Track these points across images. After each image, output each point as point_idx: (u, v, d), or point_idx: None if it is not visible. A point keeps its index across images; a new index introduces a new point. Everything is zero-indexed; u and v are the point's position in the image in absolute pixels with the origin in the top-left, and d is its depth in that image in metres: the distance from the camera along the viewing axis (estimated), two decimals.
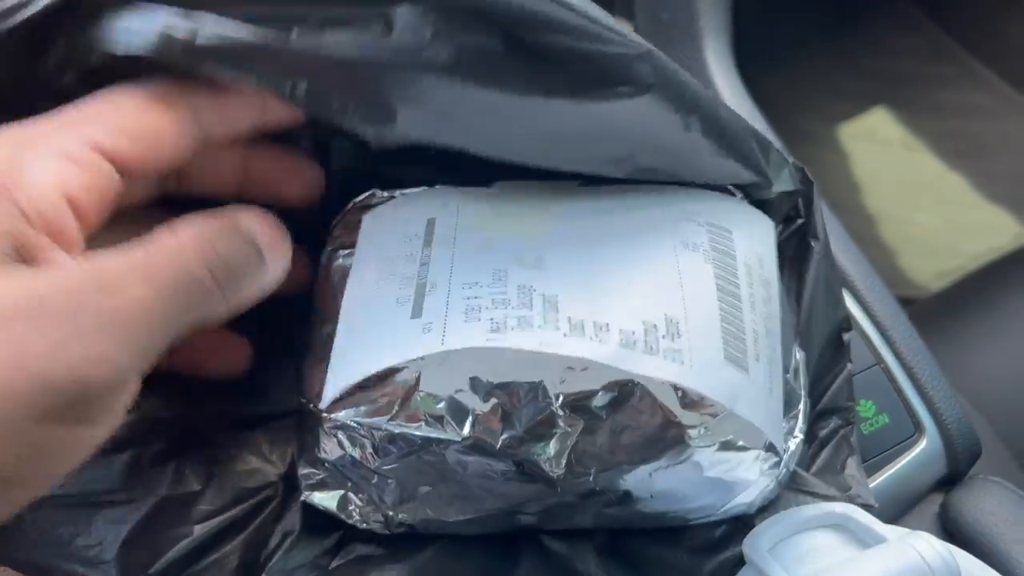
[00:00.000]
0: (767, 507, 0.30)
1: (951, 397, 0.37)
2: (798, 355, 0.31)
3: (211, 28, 0.23)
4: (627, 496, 0.27)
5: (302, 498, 0.29)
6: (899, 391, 0.37)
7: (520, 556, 0.30)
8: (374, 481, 0.27)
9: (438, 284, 0.26)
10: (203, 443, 0.31)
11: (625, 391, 0.25)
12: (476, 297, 0.26)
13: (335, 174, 0.34)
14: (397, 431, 0.26)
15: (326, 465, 0.28)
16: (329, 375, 0.26)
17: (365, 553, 0.30)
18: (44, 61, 0.25)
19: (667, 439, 0.26)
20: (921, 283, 0.73)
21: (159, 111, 0.23)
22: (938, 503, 0.37)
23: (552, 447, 0.26)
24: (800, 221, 0.33)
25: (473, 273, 0.26)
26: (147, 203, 0.27)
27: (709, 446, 0.26)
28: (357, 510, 0.29)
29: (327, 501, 0.29)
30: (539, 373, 0.25)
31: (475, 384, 0.25)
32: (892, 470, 0.36)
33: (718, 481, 0.27)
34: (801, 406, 0.30)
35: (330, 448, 0.27)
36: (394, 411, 0.25)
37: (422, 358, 0.25)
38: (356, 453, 0.27)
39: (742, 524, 0.30)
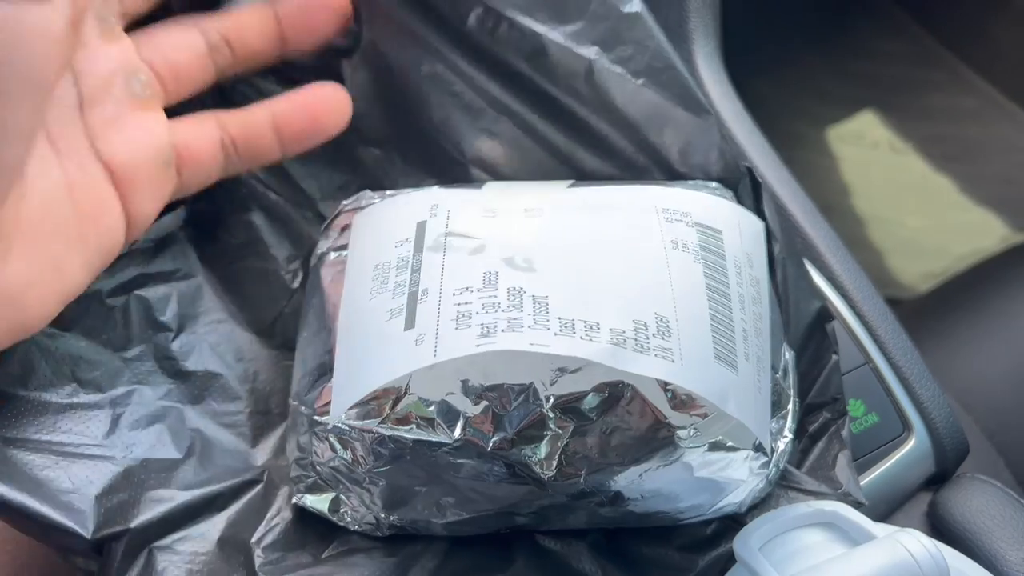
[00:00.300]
0: (758, 505, 0.30)
1: (939, 396, 0.37)
2: (787, 355, 0.31)
3: None
4: (618, 497, 0.27)
5: (293, 500, 0.29)
6: (888, 391, 0.37)
7: (514, 554, 0.30)
8: (365, 484, 0.28)
9: (429, 291, 0.26)
10: (186, 418, 0.31)
11: (615, 392, 0.25)
12: (467, 303, 0.26)
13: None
14: (388, 434, 0.26)
15: (317, 468, 0.28)
16: (333, 397, 0.27)
17: (358, 545, 0.30)
18: None
19: (657, 440, 0.26)
20: (909, 284, 0.73)
21: None
22: (927, 501, 0.37)
23: (543, 449, 0.26)
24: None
25: (464, 278, 0.26)
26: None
27: (699, 447, 0.26)
28: (349, 512, 0.29)
29: (319, 503, 0.29)
30: (530, 375, 0.25)
31: (466, 387, 0.25)
32: (881, 469, 0.36)
33: (708, 481, 0.27)
34: (790, 406, 0.30)
35: (322, 451, 0.27)
36: (385, 414, 0.26)
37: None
38: (348, 456, 0.27)
39: (733, 522, 0.30)
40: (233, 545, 0.29)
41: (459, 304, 0.26)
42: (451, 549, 0.30)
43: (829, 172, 0.79)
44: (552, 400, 0.25)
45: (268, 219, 0.36)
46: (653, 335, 0.25)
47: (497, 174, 0.34)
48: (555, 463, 0.26)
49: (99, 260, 0.27)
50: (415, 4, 0.33)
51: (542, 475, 0.26)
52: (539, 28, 0.32)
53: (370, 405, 0.26)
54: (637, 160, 0.33)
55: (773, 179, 0.40)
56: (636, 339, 0.25)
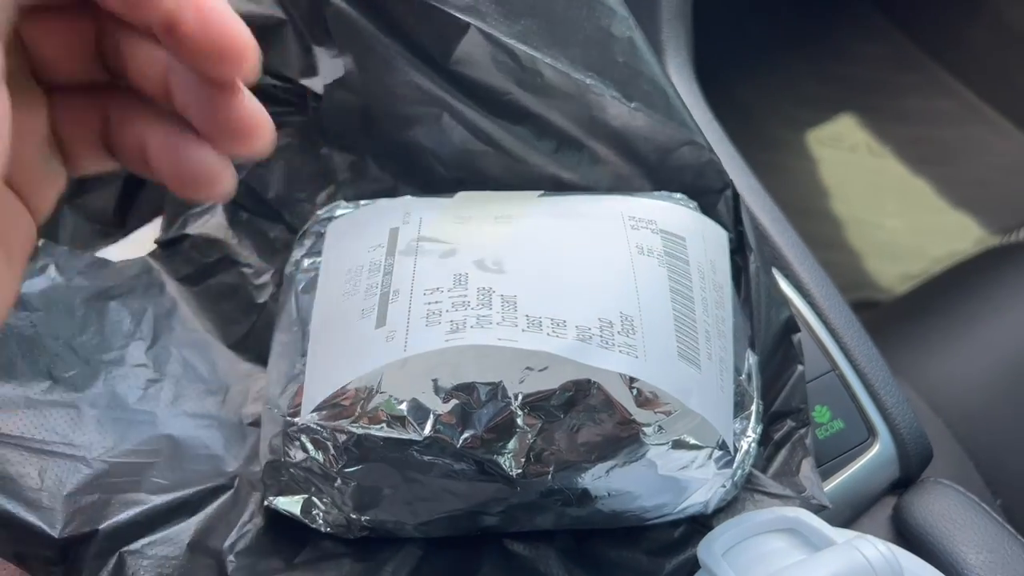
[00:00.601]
0: (724, 508, 0.31)
1: (904, 403, 0.38)
2: (751, 359, 0.32)
3: None
4: (585, 495, 0.28)
5: (265, 503, 0.30)
6: (853, 397, 0.37)
7: (483, 559, 0.30)
8: (337, 484, 0.28)
9: (400, 292, 0.27)
10: (159, 423, 0.32)
11: (582, 390, 0.26)
12: (437, 302, 0.26)
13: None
14: (359, 432, 0.26)
15: (290, 469, 0.28)
16: (305, 393, 0.27)
17: (331, 551, 0.30)
18: None
19: (623, 437, 0.27)
20: (886, 286, 0.74)
21: None
22: (891, 506, 0.37)
23: (511, 446, 0.26)
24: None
25: (434, 279, 0.27)
26: None
27: (663, 444, 0.27)
28: (320, 514, 0.29)
29: (290, 505, 0.29)
30: (499, 374, 0.26)
31: (436, 386, 0.26)
32: (846, 474, 0.36)
33: (672, 480, 0.28)
34: (754, 407, 0.31)
35: (294, 452, 0.28)
36: (356, 413, 0.26)
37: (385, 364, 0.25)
38: (320, 456, 0.27)
39: (700, 525, 0.31)
40: (204, 550, 0.29)
41: (429, 303, 0.26)
42: (422, 555, 0.30)
43: (808, 175, 0.80)
44: (520, 398, 0.26)
45: (238, 235, 0.36)
46: (618, 332, 0.26)
47: (473, 185, 0.34)
48: (524, 460, 0.26)
49: (20, 264, 0.21)
50: (394, 32, 0.33)
51: (511, 472, 0.27)
52: (535, 53, 0.32)
53: (341, 404, 0.26)
54: (621, 172, 0.34)
55: (743, 187, 0.40)
56: (602, 336, 0.26)
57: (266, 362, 0.34)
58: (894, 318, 0.58)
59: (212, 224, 0.36)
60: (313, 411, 0.26)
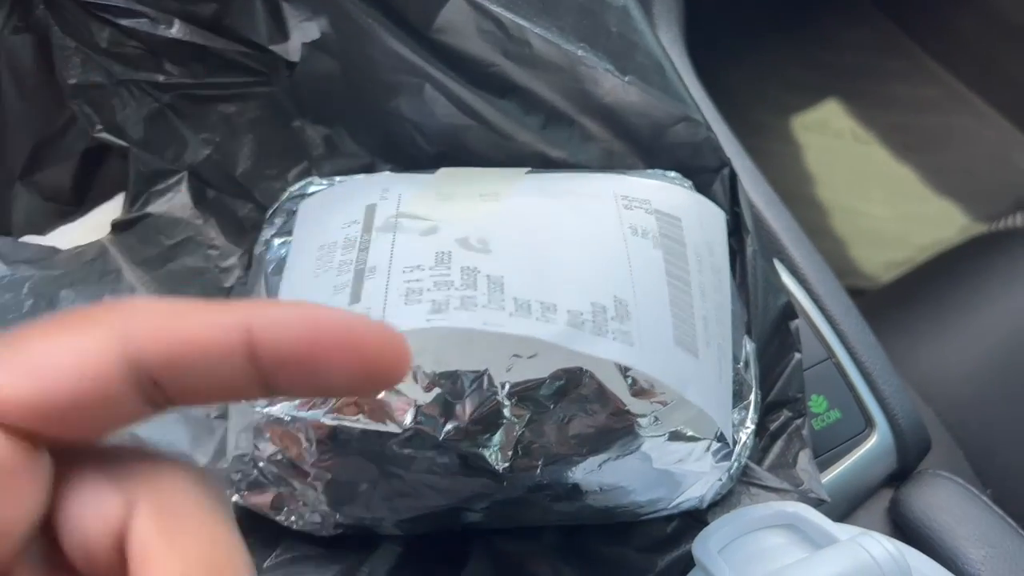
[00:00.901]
0: (719, 502, 0.30)
1: (902, 392, 0.37)
2: (748, 346, 0.30)
3: None
4: (575, 490, 0.27)
5: (234, 499, 0.28)
6: (851, 386, 0.36)
7: (468, 557, 0.29)
8: (310, 479, 0.26)
9: (377, 268, 0.25)
10: None
11: (573, 379, 0.24)
12: (417, 280, 0.24)
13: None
14: (334, 424, 0.25)
15: (259, 464, 0.26)
16: None
17: (302, 553, 0.28)
18: None
19: (616, 429, 0.25)
20: (871, 274, 0.73)
21: None
22: (888, 498, 0.36)
23: (497, 439, 0.25)
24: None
25: (415, 257, 0.25)
26: None
27: (659, 436, 0.26)
28: (292, 511, 0.28)
29: (260, 502, 0.28)
30: (484, 361, 0.24)
31: (417, 374, 0.24)
32: (843, 466, 0.35)
33: (668, 473, 0.27)
34: (752, 397, 0.30)
35: (263, 445, 0.26)
36: (331, 404, 0.24)
37: None
38: (291, 450, 0.25)
39: (693, 521, 0.30)
40: None
41: (409, 281, 0.24)
42: (401, 552, 0.29)
43: (793, 161, 0.79)
44: (508, 387, 0.24)
45: (203, 215, 0.34)
46: (612, 318, 0.24)
47: (456, 162, 0.33)
48: (510, 453, 0.25)
49: None
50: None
51: (496, 466, 0.25)
52: (523, 22, 0.30)
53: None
54: (613, 150, 0.32)
55: (737, 169, 0.39)
56: (594, 321, 0.24)
57: None
58: (882, 306, 0.57)
59: (176, 203, 0.34)
60: (282, 401, 0.24)
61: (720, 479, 0.29)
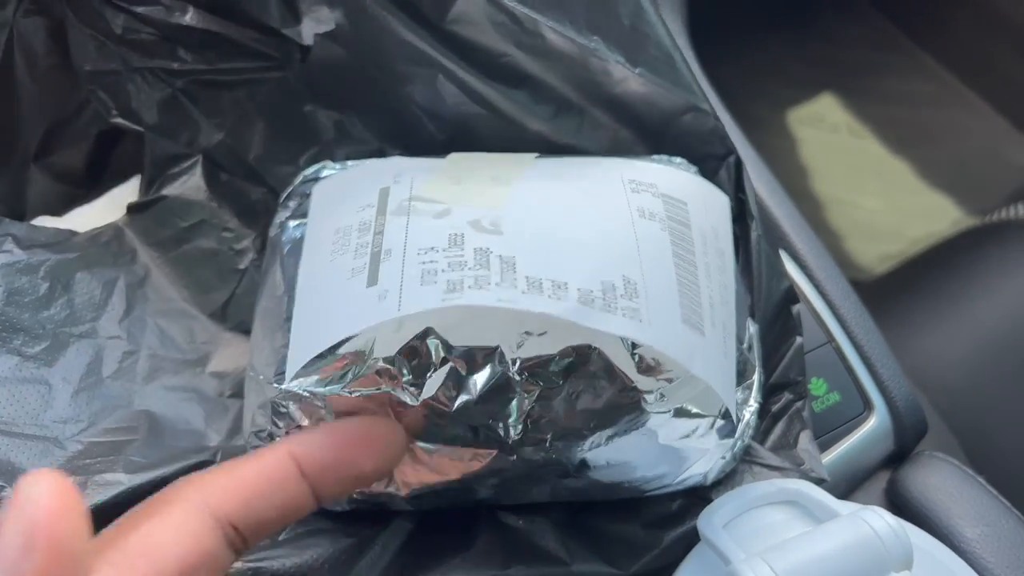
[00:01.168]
0: (722, 480, 0.30)
1: (899, 376, 0.38)
2: (752, 328, 0.31)
3: None
4: (583, 464, 0.27)
5: None
6: (850, 370, 0.37)
7: (477, 532, 0.29)
8: None
9: (393, 251, 0.26)
10: (135, 399, 0.30)
11: (582, 356, 0.25)
12: (432, 261, 0.25)
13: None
14: (352, 397, 0.25)
15: (276, 438, 0.27)
16: (290, 354, 0.26)
17: (316, 527, 0.29)
18: None
19: (623, 405, 0.26)
20: (866, 266, 0.74)
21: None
22: (886, 479, 0.37)
23: (508, 412, 0.25)
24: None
25: (429, 239, 0.26)
26: None
27: (665, 412, 0.26)
28: None
29: None
30: (496, 338, 0.25)
31: (432, 350, 0.25)
32: (842, 447, 0.36)
33: (673, 449, 0.27)
34: (755, 376, 0.30)
35: (281, 420, 0.26)
36: (348, 379, 0.25)
37: (377, 325, 0.24)
38: (308, 423, 0.26)
39: (698, 498, 0.30)
40: None
41: (424, 263, 0.25)
42: (412, 528, 0.29)
43: (789, 154, 0.80)
44: (519, 363, 0.25)
45: (217, 198, 0.35)
46: (621, 296, 0.25)
47: (465, 149, 0.33)
48: (521, 427, 0.25)
49: None
50: None
51: (507, 439, 0.26)
52: (535, 15, 0.31)
53: (332, 370, 0.25)
54: (621, 138, 0.33)
55: (743, 158, 0.40)
56: (604, 299, 0.25)
57: (247, 330, 0.32)
58: (877, 296, 0.58)
59: (190, 186, 0.34)
60: (301, 374, 0.25)
61: (723, 457, 0.29)
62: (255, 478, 0.23)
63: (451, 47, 0.32)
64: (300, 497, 0.23)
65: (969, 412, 0.48)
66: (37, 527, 0.17)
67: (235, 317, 0.34)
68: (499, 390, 0.25)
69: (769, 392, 0.33)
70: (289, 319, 0.27)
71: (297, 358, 0.25)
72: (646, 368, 0.25)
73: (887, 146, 0.80)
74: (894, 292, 0.59)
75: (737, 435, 0.29)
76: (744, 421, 0.29)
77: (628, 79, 0.31)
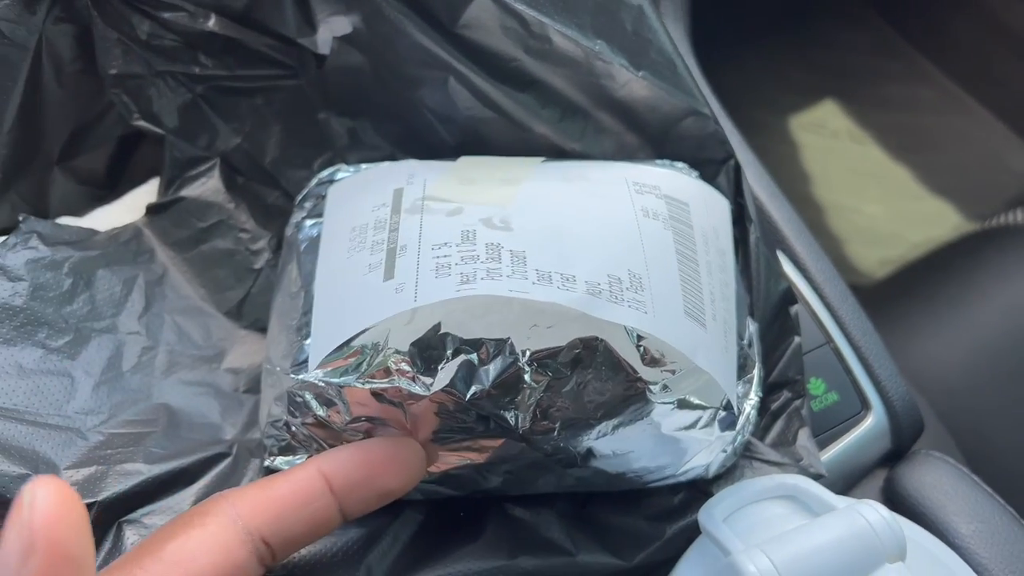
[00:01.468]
0: (723, 475, 0.31)
1: (897, 376, 0.38)
2: (751, 327, 0.32)
3: None
4: (589, 454, 0.28)
5: (265, 463, 0.29)
6: (848, 370, 0.38)
7: (485, 523, 0.30)
8: (341, 441, 0.28)
9: (408, 247, 0.27)
10: (153, 392, 0.31)
11: (589, 348, 0.26)
12: (446, 256, 0.26)
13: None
14: (367, 388, 0.26)
15: (292, 428, 0.28)
16: (312, 344, 0.27)
17: None
18: None
19: (629, 395, 0.27)
20: (866, 270, 0.75)
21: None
22: (883, 477, 0.38)
23: (518, 402, 0.26)
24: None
25: (442, 235, 0.27)
26: None
27: (668, 403, 0.27)
28: None
29: (291, 466, 0.29)
30: (506, 330, 0.25)
31: (445, 341, 0.26)
32: (840, 445, 0.37)
33: (675, 440, 0.28)
34: (755, 372, 0.31)
35: (298, 409, 0.27)
36: (363, 370, 0.26)
37: (392, 318, 0.25)
38: (323, 412, 0.27)
39: (699, 492, 0.31)
40: None
41: (438, 257, 0.26)
42: (422, 519, 0.30)
43: (790, 160, 0.81)
44: (528, 354, 0.26)
45: (235, 200, 0.36)
46: (627, 288, 0.26)
47: (475, 153, 0.34)
48: (530, 416, 0.26)
49: None
50: None
51: (517, 428, 0.26)
52: (544, 19, 0.31)
53: (349, 361, 0.26)
54: (625, 142, 0.34)
55: (742, 162, 0.41)
56: (611, 291, 0.26)
57: (262, 328, 0.33)
58: (877, 300, 0.59)
59: (208, 188, 0.35)
60: (320, 365, 0.26)
61: (724, 450, 0.30)
62: (287, 494, 0.24)
63: (462, 51, 0.32)
64: (328, 513, 0.24)
65: (967, 414, 0.49)
66: (36, 532, 0.18)
67: (250, 315, 0.35)
68: (509, 381, 0.26)
69: (768, 390, 0.34)
70: (306, 313, 0.28)
71: (319, 348, 0.26)
72: (650, 360, 0.26)
73: (888, 152, 0.81)
74: (894, 296, 0.60)
75: (738, 428, 0.30)
76: (744, 415, 0.30)
77: (631, 82, 0.32)
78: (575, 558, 0.30)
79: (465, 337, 0.25)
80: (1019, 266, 0.56)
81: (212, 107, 0.35)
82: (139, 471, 0.29)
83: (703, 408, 0.28)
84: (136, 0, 0.33)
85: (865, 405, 0.38)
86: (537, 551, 0.30)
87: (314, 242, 0.30)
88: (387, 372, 0.25)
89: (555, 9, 0.31)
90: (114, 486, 0.28)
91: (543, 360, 0.26)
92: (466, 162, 0.32)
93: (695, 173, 0.33)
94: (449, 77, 0.33)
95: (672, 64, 0.32)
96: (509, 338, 0.25)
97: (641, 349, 0.26)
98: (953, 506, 0.35)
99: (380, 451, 0.26)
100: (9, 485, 0.27)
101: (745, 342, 0.31)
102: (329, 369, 0.26)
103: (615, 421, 0.27)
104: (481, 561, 0.29)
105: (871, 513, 0.26)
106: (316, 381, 0.26)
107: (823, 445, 0.36)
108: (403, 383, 0.25)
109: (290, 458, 0.29)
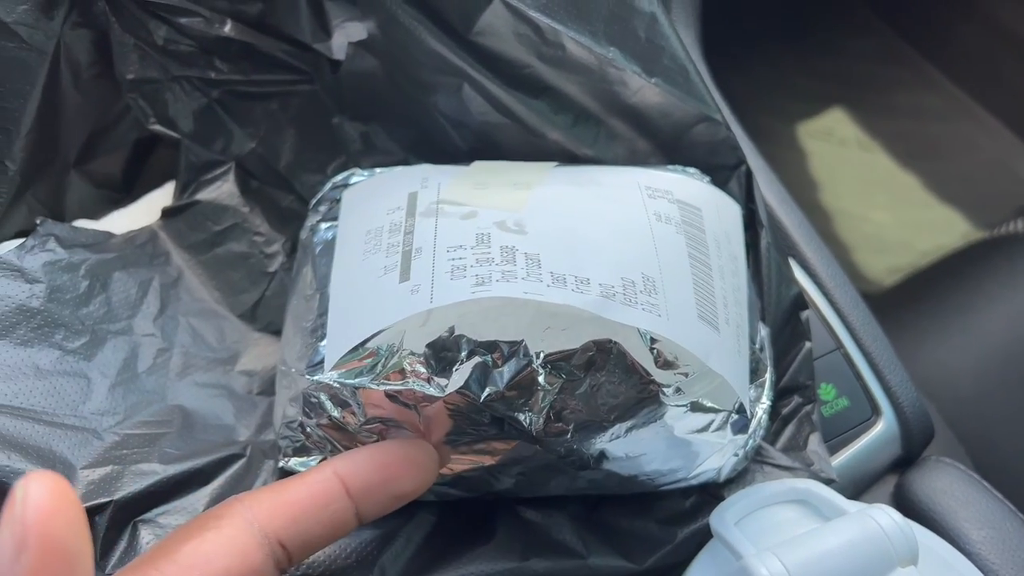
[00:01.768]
0: (734, 480, 0.31)
1: (907, 382, 0.38)
2: (763, 331, 0.32)
3: None
4: (602, 456, 0.28)
5: (280, 464, 0.30)
6: (858, 376, 0.38)
7: (496, 525, 0.30)
8: (355, 442, 0.28)
9: (423, 249, 0.27)
10: (168, 393, 0.32)
11: (603, 350, 0.26)
12: (461, 258, 0.26)
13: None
14: (381, 389, 0.26)
15: (307, 429, 0.28)
16: (328, 345, 0.27)
17: None
18: None
19: (642, 398, 0.27)
20: (875, 278, 0.75)
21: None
22: (893, 483, 0.38)
23: (532, 404, 0.26)
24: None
25: (457, 238, 0.27)
26: None
27: (681, 406, 0.27)
28: None
29: (305, 467, 0.29)
30: (520, 332, 0.26)
31: (460, 342, 0.26)
32: (850, 451, 0.37)
33: (688, 443, 0.28)
34: (767, 376, 0.31)
35: (313, 410, 0.28)
36: (378, 371, 0.26)
37: (407, 320, 0.25)
38: (338, 413, 0.27)
39: (711, 496, 0.31)
40: None
41: (453, 259, 0.26)
42: (435, 520, 0.30)
43: (798, 167, 0.81)
44: (542, 356, 0.26)
45: (249, 203, 0.36)
46: (640, 292, 0.26)
47: (488, 158, 0.34)
48: (543, 418, 0.26)
49: None
50: (417, 1, 0.33)
51: (531, 429, 0.27)
52: (558, 26, 0.32)
53: (364, 362, 0.26)
54: (637, 148, 0.34)
55: (753, 168, 0.41)
56: (624, 294, 0.26)
57: (276, 331, 0.34)
58: (886, 307, 0.59)
59: (223, 191, 0.35)
60: (335, 366, 0.26)
61: (736, 454, 0.30)
62: (303, 497, 0.24)
63: (476, 58, 0.33)
64: (345, 515, 0.24)
65: (976, 421, 0.49)
66: (29, 527, 0.17)
67: (264, 318, 0.35)
68: (523, 383, 0.26)
69: (779, 395, 0.34)
70: (321, 315, 0.28)
71: (334, 350, 0.26)
72: (664, 363, 0.26)
73: (896, 160, 0.81)
74: (903, 303, 0.60)
75: (750, 432, 0.30)
76: (756, 419, 0.30)
77: (644, 89, 0.32)
78: (587, 561, 0.30)
79: (480, 339, 0.26)
80: None
81: (227, 111, 0.36)
82: (154, 471, 0.29)
83: (716, 411, 0.28)
84: (153, 5, 0.33)
85: (875, 411, 0.38)
86: (549, 553, 0.30)
87: (329, 245, 0.30)
88: (402, 373, 0.26)
89: (568, 16, 0.32)
90: (130, 486, 0.28)
91: (557, 362, 0.26)
92: (479, 167, 0.32)
93: (707, 178, 0.33)
94: (463, 83, 0.33)
95: (684, 71, 0.33)
96: (523, 340, 0.26)
97: (655, 352, 0.26)
98: (964, 512, 0.35)
99: (396, 454, 0.26)
100: None
101: (757, 346, 0.31)
102: (344, 370, 0.26)
103: (628, 423, 0.27)
104: (493, 563, 0.29)
105: (883, 517, 0.26)
106: (331, 382, 0.26)
107: (833, 450, 0.36)
108: (418, 384, 0.26)
109: (304, 459, 0.29)
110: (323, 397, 0.27)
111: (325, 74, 0.35)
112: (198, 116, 0.36)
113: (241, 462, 0.30)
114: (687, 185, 0.31)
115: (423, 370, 0.26)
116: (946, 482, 0.36)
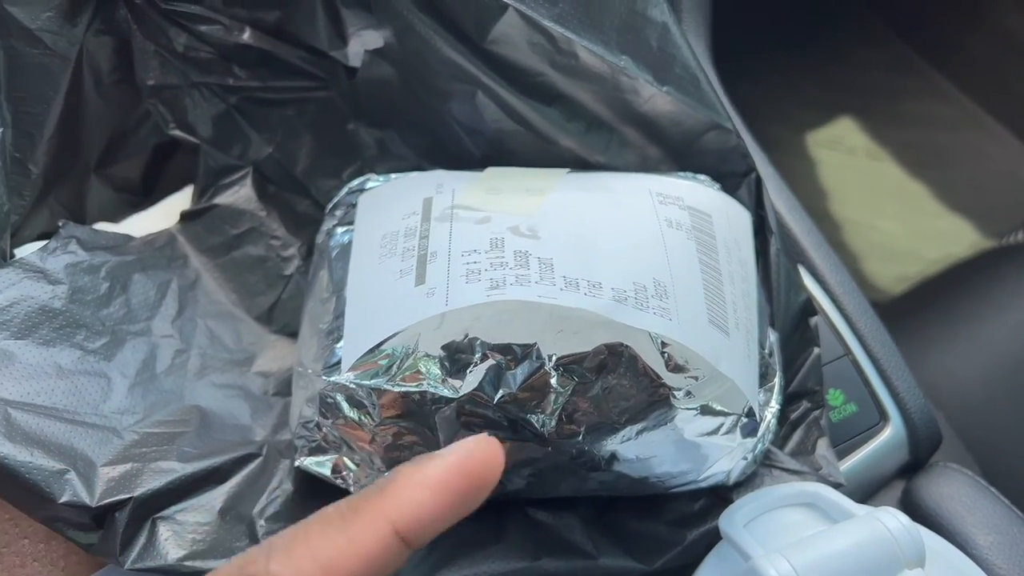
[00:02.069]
0: (743, 483, 0.32)
1: (915, 388, 0.39)
2: (772, 336, 0.32)
3: None
4: (613, 458, 0.29)
5: (296, 463, 0.30)
6: (866, 381, 0.38)
7: (507, 526, 0.31)
8: (371, 442, 0.28)
9: (438, 253, 0.27)
10: (186, 393, 0.32)
11: (615, 354, 0.26)
12: (475, 262, 0.27)
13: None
14: (397, 390, 0.27)
15: (323, 429, 0.29)
16: (344, 347, 0.27)
17: None
18: None
19: (653, 401, 0.27)
20: (883, 287, 0.75)
21: None
22: (900, 489, 0.38)
23: (545, 405, 0.27)
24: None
25: (471, 242, 0.28)
26: None
27: (691, 409, 0.28)
28: (351, 474, 0.30)
29: (321, 466, 0.30)
30: (533, 335, 0.26)
31: (474, 345, 0.26)
32: (858, 456, 0.37)
33: (697, 446, 0.29)
34: (777, 380, 0.32)
35: (329, 411, 0.28)
36: (393, 373, 0.26)
37: (422, 322, 0.26)
38: (354, 414, 0.27)
39: (720, 499, 0.31)
40: (235, 516, 0.29)
41: (468, 263, 0.27)
42: None
43: (807, 176, 0.81)
44: (554, 359, 0.26)
45: (266, 208, 0.37)
46: (652, 296, 0.27)
47: (501, 164, 0.35)
48: (555, 420, 0.27)
49: None
50: (432, 10, 0.33)
51: (543, 431, 0.27)
52: (571, 35, 0.32)
53: (379, 364, 0.26)
54: (648, 155, 0.34)
55: (763, 176, 0.41)
56: (636, 298, 0.26)
57: (292, 333, 0.34)
58: (893, 316, 0.59)
59: (241, 196, 0.36)
60: (352, 367, 0.26)
61: (745, 457, 0.30)
62: (356, 569, 0.20)
63: (490, 65, 0.33)
64: (399, 562, 0.21)
65: (984, 428, 0.49)
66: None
67: (280, 320, 0.36)
68: (536, 385, 0.26)
69: (788, 400, 0.34)
70: (338, 318, 0.28)
71: (351, 351, 0.27)
72: (675, 367, 0.27)
73: (904, 169, 0.81)
74: (911, 312, 0.60)
75: (759, 435, 0.30)
76: (765, 423, 0.31)
77: (655, 97, 0.33)
78: (597, 561, 0.30)
79: (493, 342, 0.26)
80: None
81: (245, 117, 0.36)
82: (173, 469, 0.29)
83: (725, 414, 0.28)
84: (174, 13, 0.34)
85: (883, 417, 0.38)
86: (559, 554, 0.30)
87: (345, 249, 0.30)
88: (417, 375, 0.26)
89: (581, 26, 0.32)
90: (149, 483, 0.29)
91: (569, 365, 0.26)
92: (493, 173, 0.33)
93: (717, 185, 0.34)
94: (477, 91, 0.34)
95: (696, 79, 0.33)
96: (536, 343, 0.26)
97: (665, 355, 0.27)
98: (971, 518, 0.35)
99: (455, 487, 0.22)
100: (49, 479, 0.27)
101: (766, 351, 0.31)
102: (360, 371, 0.26)
103: (639, 426, 0.27)
104: (505, 562, 0.29)
105: (891, 520, 0.26)
106: (347, 383, 0.27)
107: (841, 456, 0.37)
108: (432, 386, 0.26)
109: (320, 459, 0.29)
110: (339, 398, 0.27)
111: (341, 81, 0.35)
112: (216, 122, 0.36)
113: (257, 461, 0.31)
114: (698, 192, 0.32)
115: (438, 372, 0.26)
116: (953, 488, 0.37)
